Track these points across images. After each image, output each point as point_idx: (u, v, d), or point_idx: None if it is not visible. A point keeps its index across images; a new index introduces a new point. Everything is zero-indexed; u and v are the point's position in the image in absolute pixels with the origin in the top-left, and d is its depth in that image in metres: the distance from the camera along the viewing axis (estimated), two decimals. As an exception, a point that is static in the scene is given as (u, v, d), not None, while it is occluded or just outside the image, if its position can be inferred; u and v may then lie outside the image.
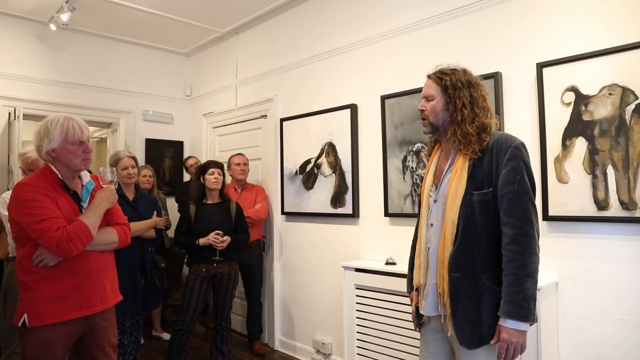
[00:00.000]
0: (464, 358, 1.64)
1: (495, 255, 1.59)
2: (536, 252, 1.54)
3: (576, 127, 2.30)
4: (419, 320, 1.81)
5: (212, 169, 3.28)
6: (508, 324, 1.51)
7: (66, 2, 3.81)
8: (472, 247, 1.59)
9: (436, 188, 1.73)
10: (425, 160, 2.91)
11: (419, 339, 1.88)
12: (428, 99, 1.71)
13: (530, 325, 1.56)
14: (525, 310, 1.50)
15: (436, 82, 1.69)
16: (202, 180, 3.30)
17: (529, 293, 1.50)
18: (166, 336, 4.18)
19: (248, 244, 3.60)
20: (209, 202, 3.32)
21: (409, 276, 1.87)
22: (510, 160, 1.56)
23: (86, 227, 1.82)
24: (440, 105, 1.68)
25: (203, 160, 4.49)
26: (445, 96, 1.67)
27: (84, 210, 1.92)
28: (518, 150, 1.58)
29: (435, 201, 1.72)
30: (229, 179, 4.10)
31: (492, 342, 1.57)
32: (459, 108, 1.63)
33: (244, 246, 3.43)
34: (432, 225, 1.72)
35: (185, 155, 5.27)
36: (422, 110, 1.72)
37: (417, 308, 1.79)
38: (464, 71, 1.70)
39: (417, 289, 1.78)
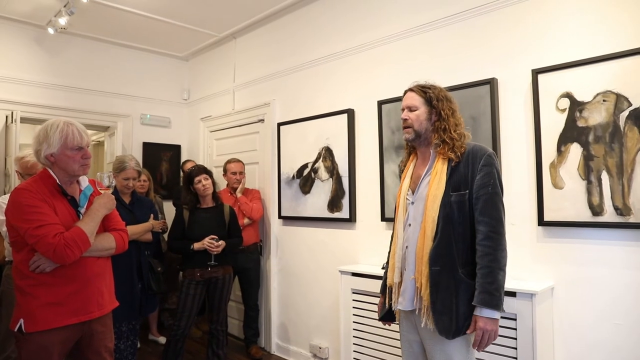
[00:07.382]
0: (435, 348, 1.76)
1: (469, 251, 1.74)
2: (505, 248, 1.72)
3: (571, 133, 2.32)
4: (385, 316, 1.97)
5: (197, 178, 3.26)
6: (484, 314, 1.66)
7: (64, 6, 3.82)
8: (450, 243, 1.73)
9: (413, 192, 1.88)
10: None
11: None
12: (411, 109, 1.86)
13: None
14: (497, 300, 1.65)
15: (419, 95, 1.87)
16: (192, 190, 3.30)
17: (500, 284, 1.67)
18: (162, 340, 4.16)
19: (243, 247, 3.65)
20: (203, 206, 3.33)
21: (384, 277, 2.00)
22: (484, 166, 1.74)
23: (84, 233, 1.82)
24: (424, 115, 1.85)
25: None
26: (428, 107, 1.84)
27: (81, 216, 1.92)
28: (491, 158, 1.76)
29: (412, 203, 1.86)
30: (223, 183, 4.10)
31: (469, 331, 1.70)
32: (444, 118, 1.81)
33: (236, 250, 3.46)
34: (409, 225, 1.85)
35: (183, 159, 5.27)
36: (406, 119, 1.87)
37: (384, 304, 1.97)
38: (440, 87, 1.89)
39: (389, 288, 1.91)
